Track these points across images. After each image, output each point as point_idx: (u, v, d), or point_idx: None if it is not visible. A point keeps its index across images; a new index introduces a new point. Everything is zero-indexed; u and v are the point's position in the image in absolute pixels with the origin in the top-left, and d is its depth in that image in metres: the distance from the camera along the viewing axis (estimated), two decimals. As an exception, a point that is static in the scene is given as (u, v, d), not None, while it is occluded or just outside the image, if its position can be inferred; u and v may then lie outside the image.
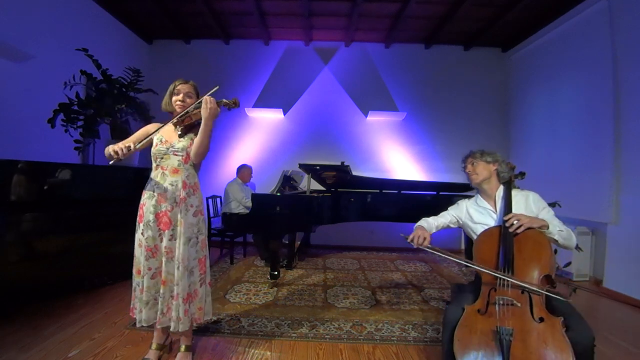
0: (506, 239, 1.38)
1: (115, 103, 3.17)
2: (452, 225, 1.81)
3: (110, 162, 1.45)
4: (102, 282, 2.71)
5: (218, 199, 3.98)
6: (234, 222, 3.31)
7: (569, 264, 3.02)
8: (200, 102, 1.58)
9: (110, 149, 1.46)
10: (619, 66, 2.98)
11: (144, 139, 1.60)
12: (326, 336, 2.01)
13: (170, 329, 1.60)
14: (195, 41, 4.76)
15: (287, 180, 3.68)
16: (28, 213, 2.26)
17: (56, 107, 2.81)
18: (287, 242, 3.57)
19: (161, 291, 1.58)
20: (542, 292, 1.21)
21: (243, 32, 4.56)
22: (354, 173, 3.29)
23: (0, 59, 2.63)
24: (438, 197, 3.60)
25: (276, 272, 2.92)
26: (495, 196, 1.64)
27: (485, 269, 1.32)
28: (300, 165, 3.16)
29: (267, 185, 4.44)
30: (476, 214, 1.68)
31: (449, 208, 1.85)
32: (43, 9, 3.00)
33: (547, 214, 1.50)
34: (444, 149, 4.69)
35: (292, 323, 2.17)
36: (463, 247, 4.23)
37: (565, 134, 3.59)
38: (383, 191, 3.61)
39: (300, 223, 3.01)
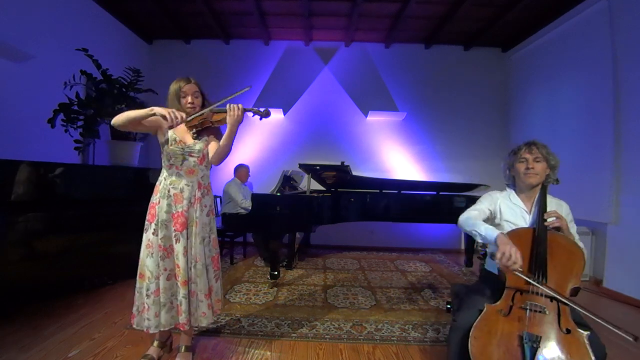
0: (540, 243, 1.30)
1: (116, 103, 3.16)
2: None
3: (168, 125, 1.42)
4: (102, 282, 2.71)
5: (218, 199, 3.98)
6: (234, 222, 3.31)
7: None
8: (214, 106, 1.59)
9: (162, 110, 1.41)
10: (619, 66, 2.97)
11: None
12: (326, 336, 2.01)
13: (192, 325, 1.61)
14: (195, 41, 4.76)
15: (287, 180, 3.68)
16: (28, 213, 2.26)
17: (56, 107, 2.81)
18: (287, 242, 3.58)
19: (183, 293, 1.54)
20: (578, 308, 1.15)
21: (243, 32, 4.56)
22: (354, 173, 3.29)
23: (0, 59, 2.63)
24: (438, 197, 3.60)
25: (276, 272, 2.92)
26: (534, 198, 1.54)
27: (526, 276, 1.24)
28: (300, 165, 3.16)
29: (267, 185, 4.44)
30: (507, 211, 1.55)
31: (480, 201, 1.63)
32: (43, 9, 3.00)
33: (572, 228, 1.45)
34: (444, 149, 4.69)
35: (292, 323, 2.17)
36: (463, 246, 4.22)
37: (565, 134, 3.59)
38: (383, 191, 3.62)
39: (300, 223, 3.01)
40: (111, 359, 1.70)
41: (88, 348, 1.79)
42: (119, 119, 1.47)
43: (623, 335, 1.06)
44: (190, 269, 1.58)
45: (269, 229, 2.90)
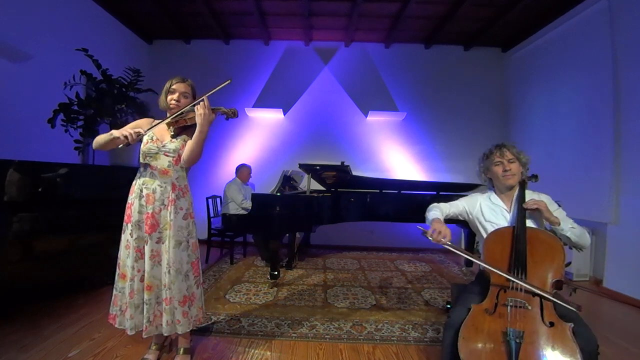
0: (519, 241, 1.34)
1: (115, 103, 3.18)
2: (460, 217, 1.69)
3: (120, 146, 1.42)
4: (102, 282, 2.71)
5: (218, 199, 3.98)
6: (234, 223, 3.31)
7: (569, 263, 3.02)
8: (193, 104, 1.55)
9: (118, 132, 1.41)
10: (619, 66, 2.98)
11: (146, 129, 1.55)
12: (326, 336, 2.01)
13: (164, 334, 1.55)
14: (195, 41, 4.76)
15: (287, 180, 3.67)
16: (28, 213, 2.26)
17: (56, 107, 2.82)
18: (287, 242, 3.57)
19: (146, 297, 1.52)
20: (557, 301, 1.18)
21: (243, 32, 4.56)
22: (354, 173, 3.29)
23: (0, 59, 2.63)
24: (438, 197, 3.60)
25: (276, 272, 2.92)
26: (513, 197, 1.57)
27: (502, 271, 1.28)
28: (300, 165, 3.16)
29: (267, 185, 4.44)
30: (488, 211, 1.60)
31: (460, 198, 1.72)
32: (43, 9, 3.00)
33: (559, 214, 1.46)
34: (444, 149, 4.69)
35: (292, 323, 2.17)
36: (463, 246, 4.22)
37: (565, 134, 3.59)
38: (383, 191, 3.61)
39: (300, 223, 3.01)
40: (111, 359, 1.70)
41: (88, 348, 1.79)
42: (95, 144, 1.51)
43: (568, 306, 1.16)
44: (165, 274, 1.53)
45: (269, 229, 2.90)
